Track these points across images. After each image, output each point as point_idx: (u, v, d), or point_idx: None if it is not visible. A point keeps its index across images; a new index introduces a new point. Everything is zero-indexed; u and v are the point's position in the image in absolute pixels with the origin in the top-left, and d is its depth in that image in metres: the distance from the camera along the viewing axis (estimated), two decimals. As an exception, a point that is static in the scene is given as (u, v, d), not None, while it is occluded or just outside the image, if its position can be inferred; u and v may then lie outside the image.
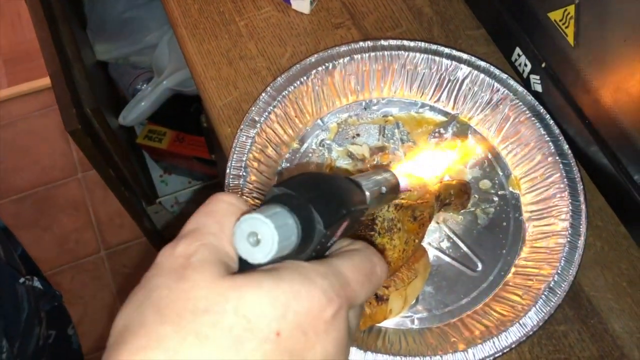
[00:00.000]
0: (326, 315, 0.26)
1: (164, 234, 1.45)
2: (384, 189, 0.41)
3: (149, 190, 1.37)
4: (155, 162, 1.49)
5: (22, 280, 0.70)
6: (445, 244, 0.57)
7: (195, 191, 1.40)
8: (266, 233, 0.26)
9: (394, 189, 0.44)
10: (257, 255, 0.26)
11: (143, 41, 1.35)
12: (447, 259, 0.56)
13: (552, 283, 0.51)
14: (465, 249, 0.57)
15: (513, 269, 0.55)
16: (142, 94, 1.30)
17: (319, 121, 0.62)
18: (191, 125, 1.35)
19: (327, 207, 0.30)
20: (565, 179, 0.55)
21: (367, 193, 0.37)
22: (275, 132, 0.59)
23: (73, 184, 1.75)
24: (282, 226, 0.27)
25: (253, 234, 0.26)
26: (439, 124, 0.62)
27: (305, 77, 0.60)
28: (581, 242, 0.52)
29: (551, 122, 0.58)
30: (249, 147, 0.57)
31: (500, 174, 0.60)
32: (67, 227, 1.69)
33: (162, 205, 1.35)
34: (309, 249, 0.29)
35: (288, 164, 0.60)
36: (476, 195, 0.59)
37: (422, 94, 0.63)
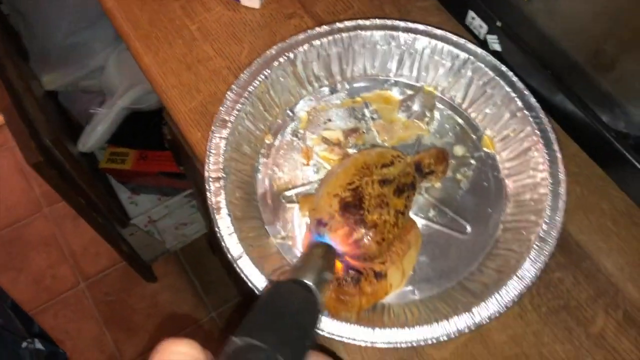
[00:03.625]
0: None
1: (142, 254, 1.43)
2: (327, 275, 0.42)
3: (120, 213, 1.35)
4: (122, 184, 1.47)
5: (24, 345, 0.69)
6: (431, 213, 0.57)
7: (168, 206, 1.38)
8: None
9: (333, 265, 0.46)
10: None
11: (90, 65, 1.33)
12: (436, 226, 0.57)
13: (542, 232, 0.52)
14: (451, 214, 0.57)
15: (501, 226, 0.56)
16: (98, 118, 1.27)
17: (288, 112, 0.62)
18: (153, 141, 1.33)
19: (292, 350, 0.30)
20: (536, 131, 0.56)
21: (318, 295, 0.38)
22: (247, 129, 0.59)
23: (40, 220, 1.71)
24: None
25: None
26: (406, 98, 0.63)
27: (268, 71, 0.59)
28: (562, 189, 0.54)
29: (514, 78, 0.58)
30: (223, 147, 0.56)
31: (473, 136, 0.61)
32: (41, 264, 1.65)
33: (136, 226, 1.33)
34: None
35: (265, 159, 0.60)
36: (453, 161, 0.60)
37: (385, 70, 0.63)
